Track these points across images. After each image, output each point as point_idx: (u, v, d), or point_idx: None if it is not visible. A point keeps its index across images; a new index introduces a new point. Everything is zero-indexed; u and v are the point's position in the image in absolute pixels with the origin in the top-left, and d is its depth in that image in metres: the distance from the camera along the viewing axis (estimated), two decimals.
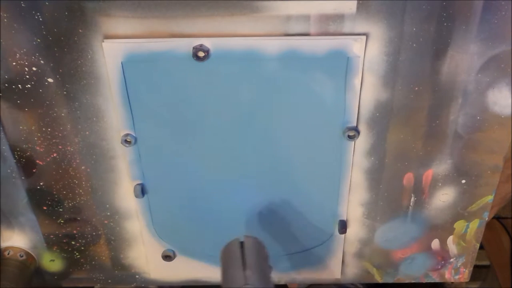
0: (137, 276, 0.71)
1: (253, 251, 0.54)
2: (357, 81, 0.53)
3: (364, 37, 0.51)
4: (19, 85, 0.54)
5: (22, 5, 0.49)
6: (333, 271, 0.70)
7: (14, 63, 0.52)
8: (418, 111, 0.56)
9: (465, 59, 0.52)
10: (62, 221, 0.65)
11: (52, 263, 0.70)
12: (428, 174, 0.61)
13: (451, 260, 0.70)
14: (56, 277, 0.72)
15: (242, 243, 0.55)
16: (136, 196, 0.61)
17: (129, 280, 0.72)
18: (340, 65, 0.52)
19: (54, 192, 0.63)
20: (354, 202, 0.64)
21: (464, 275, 0.72)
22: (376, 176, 0.61)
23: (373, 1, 0.49)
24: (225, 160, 0.60)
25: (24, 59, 0.52)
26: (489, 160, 0.60)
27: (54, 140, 0.58)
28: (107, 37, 0.51)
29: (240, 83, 0.54)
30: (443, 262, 0.70)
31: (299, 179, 0.61)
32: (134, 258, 0.69)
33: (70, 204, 0.64)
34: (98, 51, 0.52)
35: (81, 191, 0.62)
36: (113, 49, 0.51)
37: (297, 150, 0.59)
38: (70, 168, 0.60)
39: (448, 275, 0.71)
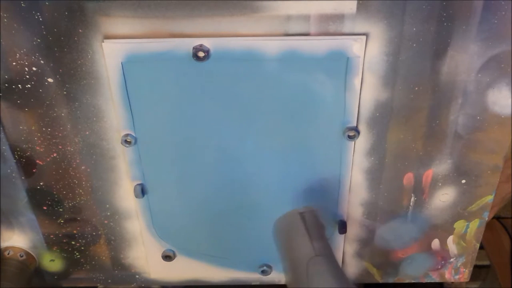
0: (137, 276, 0.72)
1: (314, 221, 0.56)
2: (357, 81, 0.53)
3: (364, 37, 0.51)
4: (19, 85, 0.54)
5: (22, 5, 0.49)
6: None
7: (14, 63, 0.52)
8: (418, 111, 0.56)
9: (465, 59, 0.52)
10: (62, 221, 0.65)
11: (52, 263, 0.70)
12: (428, 174, 0.61)
13: (451, 260, 0.70)
14: (56, 277, 0.72)
15: (302, 214, 0.56)
16: (136, 196, 0.61)
17: (129, 280, 0.72)
18: (340, 65, 0.52)
19: (54, 192, 0.63)
20: (354, 202, 0.64)
21: (464, 275, 0.72)
22: (376, 176, 0.61)
23: (373, 1, 0.49)
24: (225, 159, 0.60)
25: (24, 59, 0.52)
26: (489, 160, 0.60)
27: (54, 140, 0.58)
28: (107, 37, 0.51)
29: (240, 83, 0.54)
30: (443, 262, 0.70)
31: (299, 179, 0.61)
32: (134, 258, 0.69)
33: (70, 204, 0.64)
34: (98, 51, 0.52)
35: (81, 191, 0.62)
36: (113, 49, 0.51)
37: (297, 150, 0.59)
38: (70, 168, 0.60)
39: (448, 275, 0.71)
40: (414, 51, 0.52)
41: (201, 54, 0.51)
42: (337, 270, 0.52)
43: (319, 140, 0.58)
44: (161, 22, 0.50)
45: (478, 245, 0.68)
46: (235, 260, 0.69)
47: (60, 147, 0.59)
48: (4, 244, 0.67)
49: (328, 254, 0.53)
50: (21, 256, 0.67)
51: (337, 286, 0.49)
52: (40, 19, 0.50)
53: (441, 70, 0.53)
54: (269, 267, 0.69)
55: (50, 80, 0.54)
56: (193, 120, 0.56)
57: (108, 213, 0.65)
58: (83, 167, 0.60)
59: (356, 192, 0.63)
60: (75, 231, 0.66)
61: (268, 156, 0.59)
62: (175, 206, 0.64)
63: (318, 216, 0.57)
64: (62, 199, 0.63)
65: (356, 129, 0.57)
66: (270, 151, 0.59)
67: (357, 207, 0.64)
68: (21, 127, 0.57)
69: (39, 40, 0.51)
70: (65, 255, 0.69)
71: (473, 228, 0.66)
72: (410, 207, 0.64)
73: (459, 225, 0.66)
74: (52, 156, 0.59)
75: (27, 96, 0.55)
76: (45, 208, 0.64)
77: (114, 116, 0.56)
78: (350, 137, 0.57)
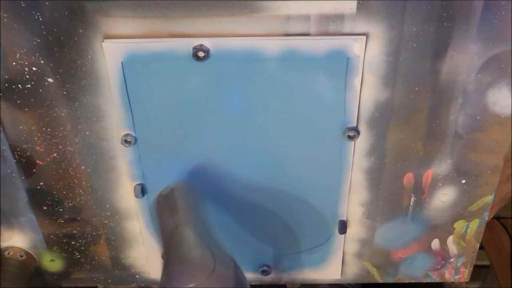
0: (137, 276, 0.72)
1: (180, 196, 0.55)
2: (357, 81, 0.53)
3: (364, 37, 0.51)
4: (19, 85, 0.54)
5: (22, 5, 0.49)
6: (333, 271, 0.70)
7: (14, 63, 0.52)
8: (418, 111, 0.56)
9: (465, 59, 0.52)
10: (62, 221, 0.65)
11: (52, 263, 0.70)
12: (428, 174, 0.61)
13: (451, 260, 0.70)
14: (56, 277, 0.72)
15: (165, 194, 0.56)
16: (136, 196, 0.61)
17: (129, 280, 0.72)
18: (340, 65, 0.52)
19: (54, 192, 0.63)
20: (354, 202, 0.64)
21: (464, 275, 0.72)
22: (376, 176, 0.61)
23: (373, 1, 0.49)
24: (225, 160, 0.60)
25: (24, 59, 0.52)
26: (489, 160, 0.60)
27: (54, 140, 0.58)
28: (107, 37, 0.51)
29: (240, 83, 0.54)
30: (443, 262, 0.70)
31: (299, 179, 0.61)
32: (134, 258, 0.69)
33: (70, 204, 0.64)
34: (98, 51, 0.52)
35: (81, 191, 0.62)
36: (113, 49, 0.51)
37: (297, 150, 0.59)
38: (70, 168, 0.60)
39: (448, 275, 0.71)
40: (414, 51, 0.52)
41: (201, 54, 0.51)
42: (197, 238, 0.51)
43: (319, 140, 0.58)
44: (161, 22, 0.50)
45: (478, 245, 0.68)
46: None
47: (60, 147, 0.59)
48: (4, 244, 0.67)
49: (188, 223, 0.52)
50: (21, 256, 0.67)
51: (194, 254, 0.49)
52: (40, 19, 0.50)
53: (441, 70, 0.53)
54: (269, 267, 0.69)
55: (50, 80, 0.54)
56: (193, 120, 0.56)
57: (108, 213, 0.65)
58: (83, 167, 0.60)
59: (356, 192, 0.63)
60: (75, 231, 0.66)
61: (268, 156, 0.59)
62: None
63: (189, 191, 0.57)
64: (62, 199, 0.63)
65: (356, 129, 0.57)
66: (270, 151, 0.59)
67: (357, 207, 0.64)
68: (21, 127, 0.57)
69: (39, 40, 0.51)
70: (65, 255, 0.69)
71: (473, 228, 0.66)
72: (410, 207, 0.64)
73: (459, 225, 0.66)
74: (52, 156, 0.59)
75: (27, 96, 0.55)
76: (45, 208, 0.64)
77: (114, 116, 0.56)
78: (350, 137, 0.57)
